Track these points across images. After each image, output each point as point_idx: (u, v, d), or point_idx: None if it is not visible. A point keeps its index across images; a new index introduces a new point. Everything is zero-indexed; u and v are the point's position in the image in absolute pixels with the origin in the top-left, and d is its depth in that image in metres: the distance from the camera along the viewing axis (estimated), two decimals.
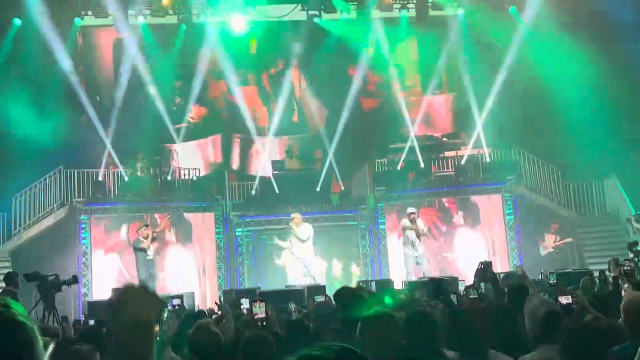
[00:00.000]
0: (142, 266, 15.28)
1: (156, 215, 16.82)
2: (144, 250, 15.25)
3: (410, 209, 16.13)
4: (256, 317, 6.86)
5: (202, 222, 17.54)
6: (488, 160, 18.34)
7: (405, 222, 15.87)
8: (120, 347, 2.01)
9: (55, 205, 17.09)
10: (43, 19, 16.82)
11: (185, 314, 8.61)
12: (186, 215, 17.52)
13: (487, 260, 6.88)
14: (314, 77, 19.00)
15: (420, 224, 15.88)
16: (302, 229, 15.90)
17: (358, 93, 18.95)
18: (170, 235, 17.21)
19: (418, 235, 15.68)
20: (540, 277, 13.13)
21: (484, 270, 6.45)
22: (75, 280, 13.05)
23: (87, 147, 18.12)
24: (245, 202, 17.93)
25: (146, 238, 15.38)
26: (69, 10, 18.24)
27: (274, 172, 17.97)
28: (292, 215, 16.13)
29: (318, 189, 17.87)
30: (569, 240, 17.39)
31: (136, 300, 2.07)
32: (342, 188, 18.36)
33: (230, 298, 10.79)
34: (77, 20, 18.51)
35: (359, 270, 17.23)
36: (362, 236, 17.65)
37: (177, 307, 12.06)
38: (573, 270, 13.45)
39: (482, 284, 7.28)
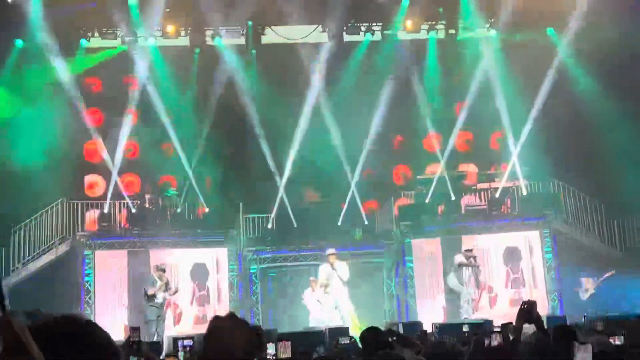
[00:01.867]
0: (150, 308, 15.47)
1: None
2: (153, 295, 15.40)
3: (466, 246, 16.42)
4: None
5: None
6: (524, 193, 18.29)
7: (460, 257, 16.16)
8: None
9: (57, 239, 17.23)
10: (47, 40, 17.06)
11: (198, 356, 8.60)
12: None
13: (531, 299, 6.82)
14: (336, 103, 19.08)
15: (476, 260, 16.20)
16: (341, 266, 15.98)
17: (383, 121, 19.11)
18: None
19: (476, 274, 16.02)
20: (583, 321, 12.98)
21: (528, 311, 6.39)
22: None
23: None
24: (260, 237, 17.98)
25: (160, 278, 15.56)
26: (74, 31, 18.52)
27: (292, 205, 18.08)
28: (329, 251, 16.18)
29: (339, 223, 17.89)
30: (612, 273, 17.11)
31: (229, 333, 2.17)
32: (366, 222, 18.32)
33: None
34: (82, 41, 18.79)
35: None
36: (388, 274, 17.60)
37: (188, 348, 12.02)
38: (621, 314, 13.28)
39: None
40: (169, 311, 16.39)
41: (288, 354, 7.12)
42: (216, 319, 2.31)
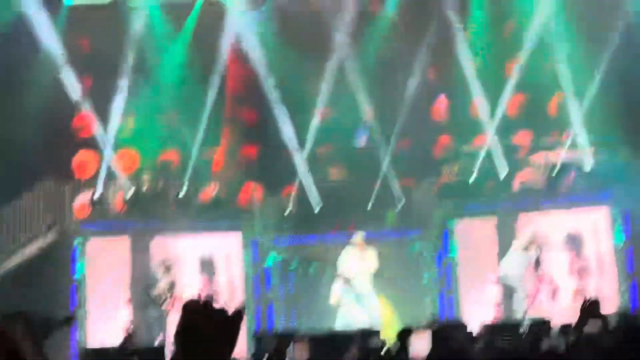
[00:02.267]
0: (151, 308, 15.81)
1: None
2: (155, 298, 15.71)
3: (524, 230, 16.50)
4: None
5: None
6: (590, 165, 18.05)
7: (521, 242, 16.22)
8: None
9: (43, 227, 17.20)
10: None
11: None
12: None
13: (594, 298, 6.87)
14: (364, 65, 18.95)
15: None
16: (369, 255, 16.07)
17: (422, 84, 18.94)
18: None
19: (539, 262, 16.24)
20: None
21: (591, 311, 6.35)
22: (68, 321, 13.05)
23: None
24: (278, 222, 18.06)
25: (164, 277, 15.84)
26: None
27: (316, 184, 18.18)
28: (357, 236, 16.29)
29: (370, 205, 17.98)
30: None
31: (199, 321, 2.32)
32: (401, 203, 18.29)
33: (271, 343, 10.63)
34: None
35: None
36: (428, 263, 17.57)
37: None
38: None
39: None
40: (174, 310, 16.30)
41: (304, 357, 7.12)
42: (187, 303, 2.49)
